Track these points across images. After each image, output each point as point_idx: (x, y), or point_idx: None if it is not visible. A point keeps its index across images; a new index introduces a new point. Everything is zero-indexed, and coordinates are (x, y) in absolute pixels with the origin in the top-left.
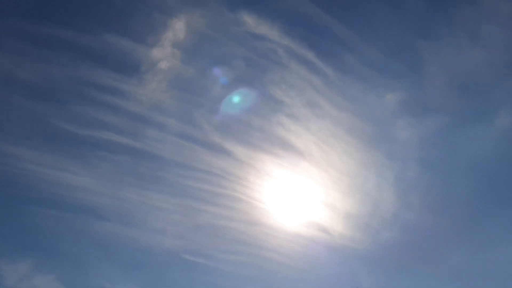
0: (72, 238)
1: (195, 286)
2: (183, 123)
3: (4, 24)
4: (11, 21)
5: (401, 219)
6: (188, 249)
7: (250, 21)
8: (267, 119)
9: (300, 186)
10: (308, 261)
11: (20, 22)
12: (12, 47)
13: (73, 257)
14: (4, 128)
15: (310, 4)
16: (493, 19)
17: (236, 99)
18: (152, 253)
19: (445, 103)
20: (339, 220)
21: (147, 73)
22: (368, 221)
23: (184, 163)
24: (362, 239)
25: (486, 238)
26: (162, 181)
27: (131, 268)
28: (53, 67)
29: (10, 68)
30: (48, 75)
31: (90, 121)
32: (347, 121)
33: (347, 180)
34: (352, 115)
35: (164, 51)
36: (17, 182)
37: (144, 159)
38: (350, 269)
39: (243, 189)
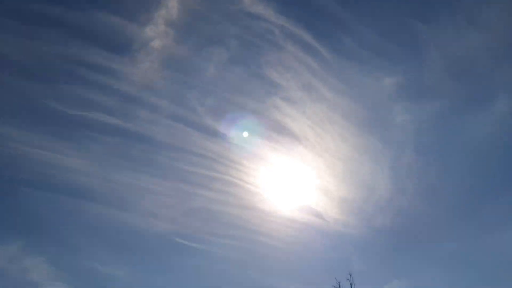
0: (63, 219)
1: (188, 269)
2: (176, 105)
3: None
4: None
5: (395, 205)
6: (180, 232)
7: None
8: (262, 102)
9: (295, 170)
10: (302, 246)
11: None
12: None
13: (64, 239)
14: None
15: None
16: (493, 3)
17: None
18: (144, 236)
19: (443, 88)
20: (333, 205)
21: (139, 52)
22: (362, 206)
23: (177, 146)
24: (356, 224)
25: (481, 224)
26: (154, 163)
27: (122, 251)
28: (42, 45)
29: None
30: (37, 53)
31: (80, 101)
32: (343, 105)
33: (342, 165)
34: (349, 98)
35: (157, 30)
36: (6, 162)
37: (136, 141)
38: (344, 253)
39: (237, 173)
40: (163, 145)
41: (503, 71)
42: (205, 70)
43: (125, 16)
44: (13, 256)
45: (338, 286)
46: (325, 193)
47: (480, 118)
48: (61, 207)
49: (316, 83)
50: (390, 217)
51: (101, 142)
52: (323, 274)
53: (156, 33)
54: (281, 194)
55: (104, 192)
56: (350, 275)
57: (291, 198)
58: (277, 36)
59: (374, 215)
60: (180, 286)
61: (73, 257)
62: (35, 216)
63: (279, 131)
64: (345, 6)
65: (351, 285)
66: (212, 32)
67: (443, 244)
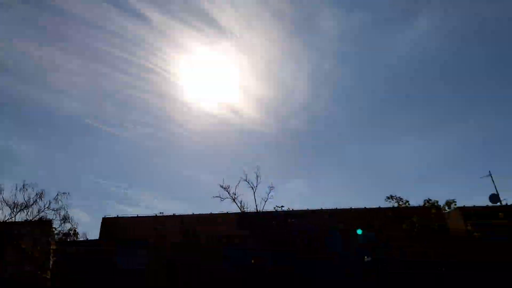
0: None
1: (98, 152)
2: None
3: None
4: None
5: (310, 109)
6: (92, 114)
7: None
8: None
9: (217, 65)
10: (216, 139)
11: None
12: None
13: None
14: None
15: None
16: None
17: None
18: (52, 113)
19: None
20: (251, 104)
21: None
22: (278, 107)
23: (94, 22)
24: (271, 123)
25: (387, 133)
26: (67, 38)
27: (27, 126)
28: None
29: None
30: None
31: None
32: (273, 2)
33: (264, 65)
34: None
35: None
36: None
37: (48, 11)
38: (255, 150)
39: (157, 60)
40: (79, 19)
41: None
42: None
43: None
44: None
45: (245, 178)
46: (244, 91)
47: (402, 33)
48: None
49: None
50: (303, 120)
51: (6, 7)
52: (233, 166)
53: None
54: (200, 87)
55: (9, 63)
56: (258, 169)
57: (210, 92)
58: None
59: (289, 116)
60: (89, 168)
61: None
62: None
63: (204, 20)
64: None
65: (257, 177)
66: None
67: (349, 148)
